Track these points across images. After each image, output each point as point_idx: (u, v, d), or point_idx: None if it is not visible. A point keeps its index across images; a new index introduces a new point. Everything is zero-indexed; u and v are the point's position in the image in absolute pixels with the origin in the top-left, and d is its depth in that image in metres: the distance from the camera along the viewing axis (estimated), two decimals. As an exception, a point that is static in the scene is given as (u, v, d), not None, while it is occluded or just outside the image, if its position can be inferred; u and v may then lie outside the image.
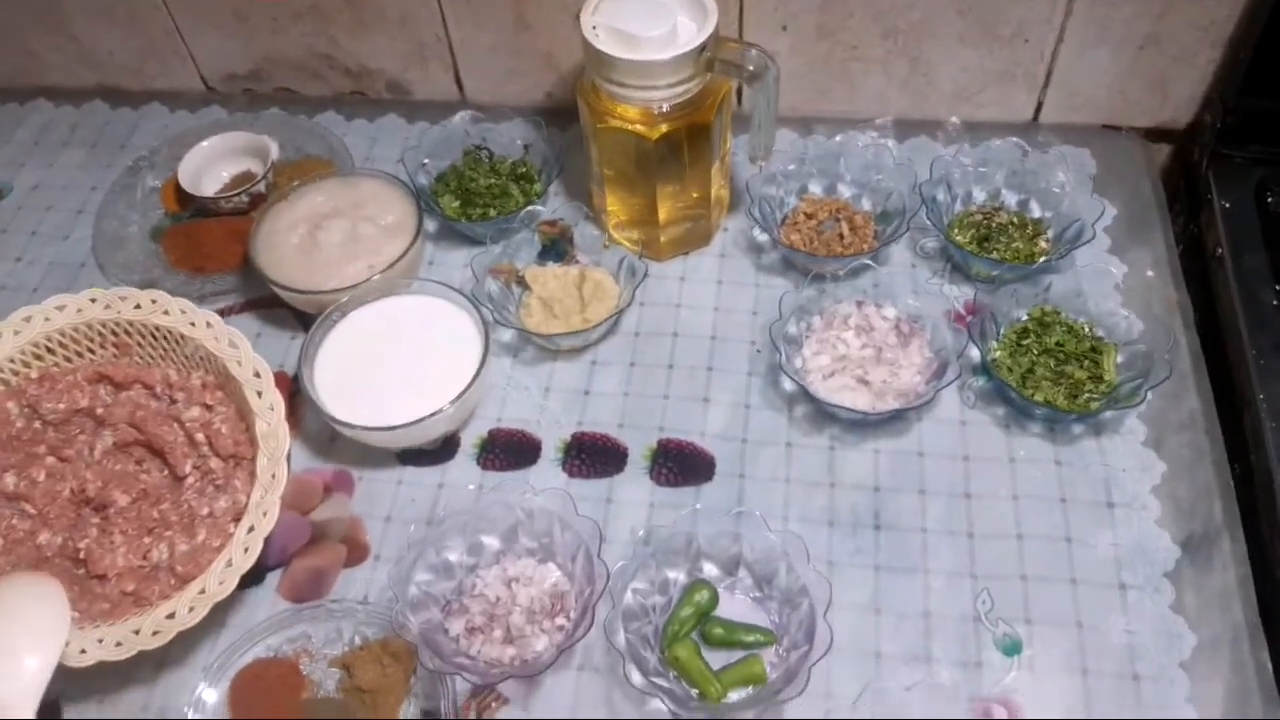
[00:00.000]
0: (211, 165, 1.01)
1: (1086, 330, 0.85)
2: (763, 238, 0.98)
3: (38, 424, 0.75)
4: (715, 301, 0.94)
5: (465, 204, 0.97)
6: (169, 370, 0.77)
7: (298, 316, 0.94)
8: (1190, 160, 0.99)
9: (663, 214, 0.92)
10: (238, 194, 0.97)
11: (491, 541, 0.79)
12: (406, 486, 0.84)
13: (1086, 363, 0.83)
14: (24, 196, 1.08)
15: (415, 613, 0.72)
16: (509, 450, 0.85)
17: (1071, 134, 1.02)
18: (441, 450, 0.86)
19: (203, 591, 0.69)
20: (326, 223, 0.90)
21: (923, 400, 0.80)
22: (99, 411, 0.76)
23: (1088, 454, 0.82)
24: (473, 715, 0.72)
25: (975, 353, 0.87)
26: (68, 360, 0.77)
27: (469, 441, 0.87)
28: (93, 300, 0.76)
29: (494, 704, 0.73)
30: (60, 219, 1.05)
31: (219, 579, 0.69)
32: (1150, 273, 0.91)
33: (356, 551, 0.81)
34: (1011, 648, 0.73)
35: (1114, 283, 0.90)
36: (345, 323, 0.85)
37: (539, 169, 1.00)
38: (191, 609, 0.68)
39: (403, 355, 0.84)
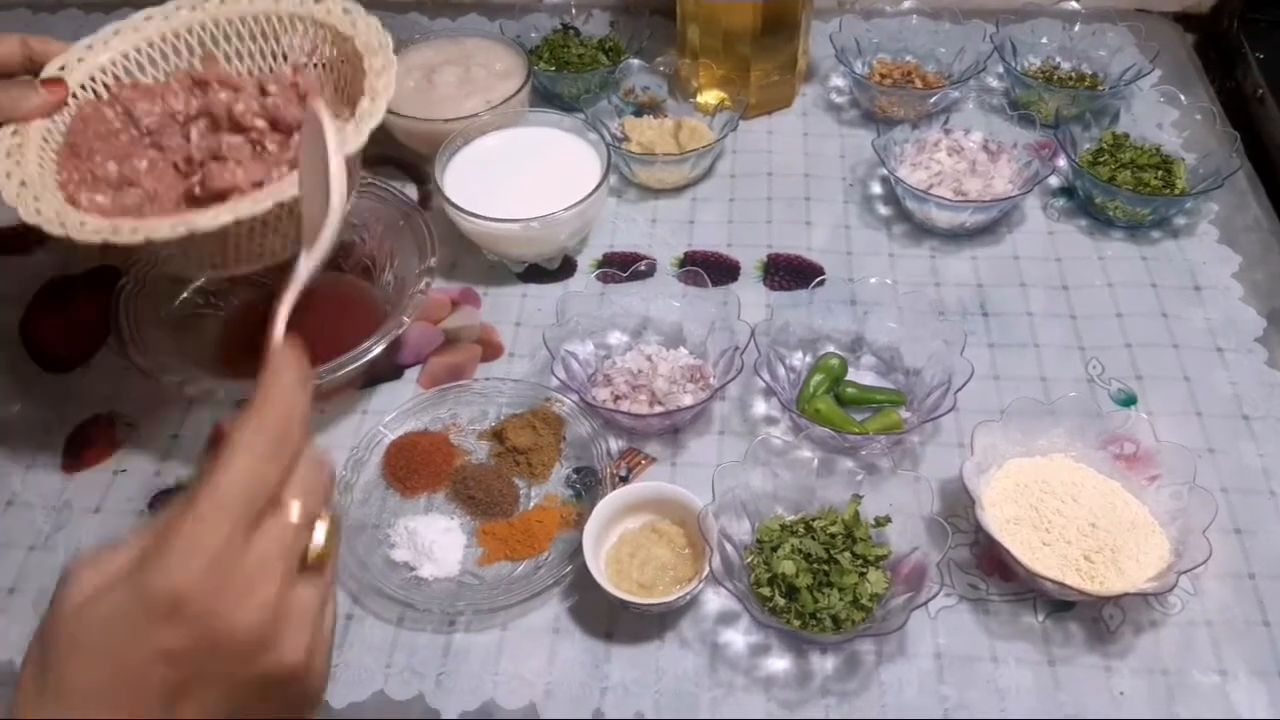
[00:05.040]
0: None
1: (1155, 150, 0.93)
2: (841, 99, 1.05)
3: (134, 131, 0.73)
4: (804, 148, 1.00)
5: (559, 70, 1.03)
6: (255, 72, 0.76)
7: (405, 170, 0.99)
8: (1220, 29, 1.09)
9: (754, 77, 1.00)
10: (342, 63, 1.02)
11: (620, 337, 0.82)
12: (531, 299, 0.88)
13: (1160, 173, 0.90)
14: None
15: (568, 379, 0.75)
16: (625, 266, 0.89)
17: (1108, 17, 1.11)
18: (560, 269, 0.90)
19: None
20: (440, 69, 0.95)
21: (1025, 191, 0.86)
22: (193, 111, 0.73)
23: (1169, 251, 0.89)
24: (623, 472, 0.75)
25: (1054, 180, 0.95)
26: (157, 80, 0.75)
27: (585, 263, 0.91)
28: (178, 7, 0.75)
29: (643, 461, 0.76)
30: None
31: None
32: (1199, 116, 0.98)
33: (491, 350, 0.84)
34: (1127, 400, 0.78)
35: (1170, 121, 0.97)
36: (468, 149, 0.89)
37: (625, 43, 1.06)
38: None
39: (525, 175, 0.88)
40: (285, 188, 0.63)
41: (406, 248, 0.81)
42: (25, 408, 0.81)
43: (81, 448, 0.78)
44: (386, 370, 0.82)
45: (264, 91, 0.73)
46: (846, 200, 0.95)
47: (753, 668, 0.64)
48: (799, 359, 0.81)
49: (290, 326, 0.45)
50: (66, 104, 0.69)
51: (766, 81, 1.01)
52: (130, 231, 0.61)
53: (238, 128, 0.72)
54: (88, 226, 0.62)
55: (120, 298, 0.77)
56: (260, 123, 0.71)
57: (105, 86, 0.73)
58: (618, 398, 0.77)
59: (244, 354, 0.80)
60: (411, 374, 0.82)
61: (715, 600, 0.67)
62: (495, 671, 0.65)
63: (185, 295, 0.82)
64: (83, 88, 0.72)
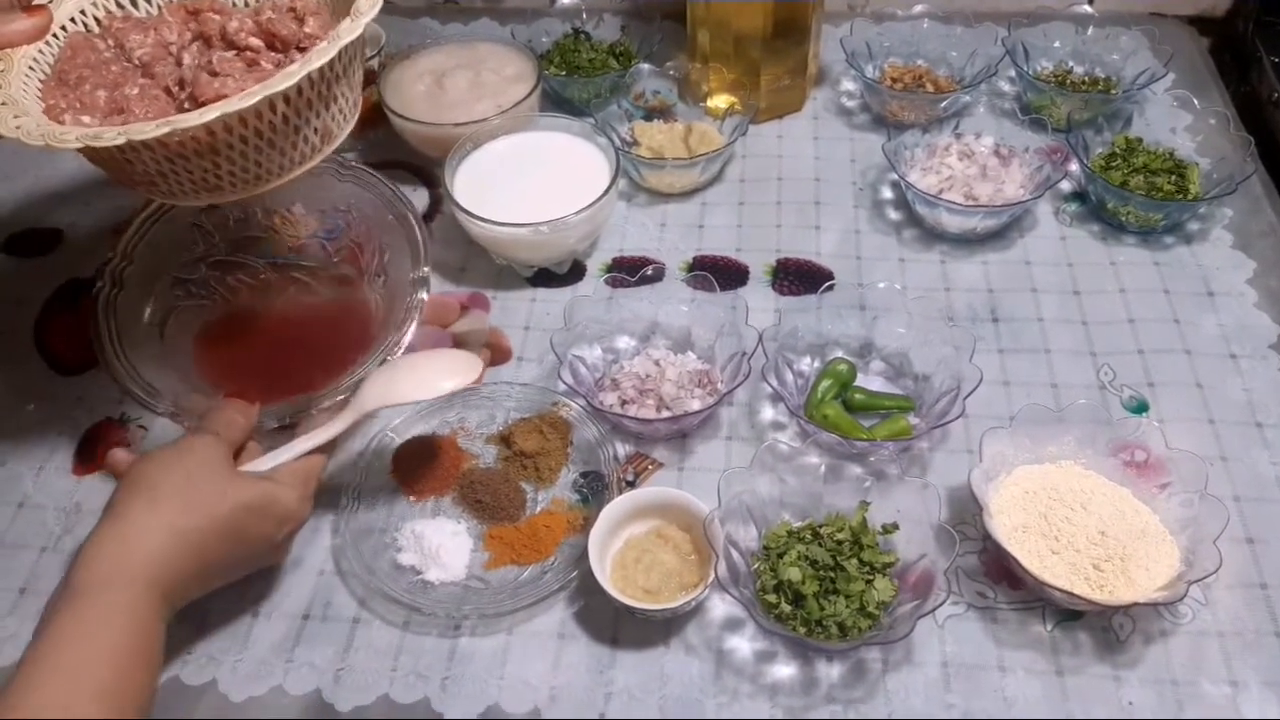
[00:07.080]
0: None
1: (1168, 155, 0.92)
2: (852, 103, 1.05)
3: (126, 62, 0.71)
4: (814, 153, 1.00)
5: (570, 75, 1.03)
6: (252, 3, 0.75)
7: (417, 174, 0.99)
8: (1236, 33, 1.09)
9: (764, 81, 1.00)
10: (354, 67, 1.02)
11: (628, 342, 0.82)
12: (540, 304, 0.88)
13: (1173, 178, 0.89)
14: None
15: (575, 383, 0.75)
16: (634, 271, 0.88)
17: (1122, 20, 1.10)
18: (569, 274, 0.90)
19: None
20: (451, 73, 0.95)
21: (1036, 196, 0.86)
22: (187, 41, 0.72)
23: (1182, 257, 0.88)
24: (630, 477, 0.75)
25: (1066, 185, 0.94)
26: (150, 15, 0.74)
27: (594, 267, 0.91)
28: None
29: (650, 466, 0.75)
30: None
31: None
32: (1213, 120, 0.97)
33: (500, 354, 0.84)
34: (1139, 407, 0.78)
35: (1184, 126, 0.97)
36: (478, 153, 0.90)
37: (636, 47, 1.06)
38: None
39: (535, 179, 0.88)
40: (276, 82, 0.60)
41: (400, 254, 0.81)
42: (38, 410, 0.82)
43: (93, 450, 0.79)
44: (395, 373, 0.82)
45: (259, 16, 0.71)
46: (856, 205, 0.94)
47: (758, 674, 0.64)
48: (807, 364, 0.80)
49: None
50: (51, 30, 0.68)
51: (777, 86, 1.01)
52: (113, 135, 0.58)
53: (231, 46, 0.70)
54: (69, 134, 0.60)
55: (98, 305, 0.77)
56: (255, 40, 0.70)
57: (96, 20, 0.72)
58: (625, 402, 0.76)
59: (223, 351, 0.79)
60: (420, 378, 0.82)
61: (721, 606, 0.67)
62: (500, 676, 0.65)
63: (159, 288, 0.82)
64: (72, 20, 0.71)
